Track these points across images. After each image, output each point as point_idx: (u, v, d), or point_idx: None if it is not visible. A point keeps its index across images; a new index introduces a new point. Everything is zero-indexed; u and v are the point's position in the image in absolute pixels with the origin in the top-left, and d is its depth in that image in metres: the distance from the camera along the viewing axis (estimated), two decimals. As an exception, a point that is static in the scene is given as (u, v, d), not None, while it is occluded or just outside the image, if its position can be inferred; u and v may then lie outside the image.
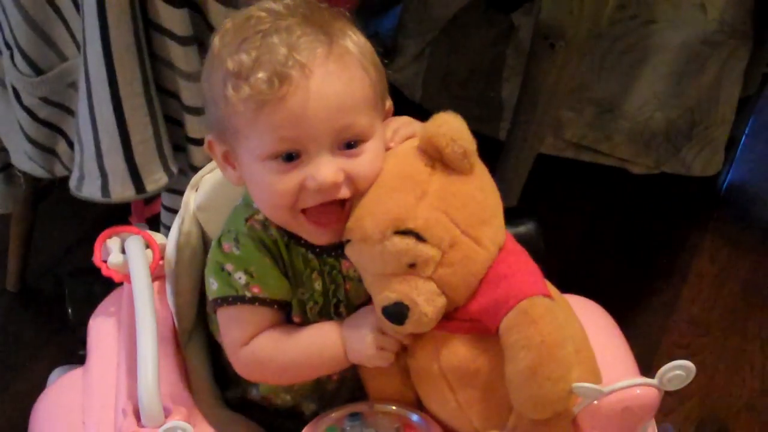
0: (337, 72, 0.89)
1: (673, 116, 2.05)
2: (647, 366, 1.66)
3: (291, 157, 0.90)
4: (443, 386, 0.94)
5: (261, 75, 0.87)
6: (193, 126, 1.23)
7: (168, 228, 1.15)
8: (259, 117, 0.88)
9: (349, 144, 0.91)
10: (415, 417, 0.97)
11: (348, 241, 0.92)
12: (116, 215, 1.33)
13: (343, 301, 1.00)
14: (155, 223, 1.42)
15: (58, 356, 1.59)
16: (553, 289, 0.95)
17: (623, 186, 2.11)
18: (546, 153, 1.97)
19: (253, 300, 0.95)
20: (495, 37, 2.08)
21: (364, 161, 0.91)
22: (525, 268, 0.93)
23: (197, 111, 1.22)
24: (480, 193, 0.92)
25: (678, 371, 0.89)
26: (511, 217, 1.16)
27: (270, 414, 1.07)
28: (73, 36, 1.21)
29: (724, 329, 1.83)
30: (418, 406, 0.98)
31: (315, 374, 0.99)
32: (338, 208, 0.92)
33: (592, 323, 1.00)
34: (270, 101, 0.87)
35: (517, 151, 1.68)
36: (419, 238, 0.88)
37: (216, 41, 0.93)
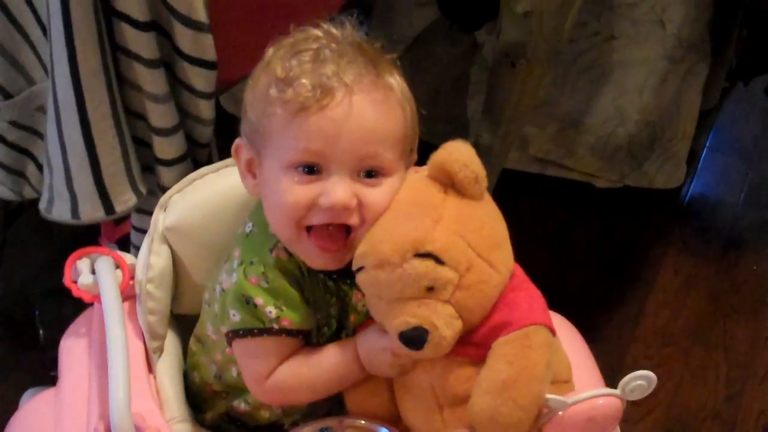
0: (377, 102, 0.91)
1: (635, 131, 2.07)
2: (613, 378, 1.68)
3: (311, 170, 0.91)
4: (431, 402, 0.95)
5: (305, 81, 0.90)
6: (161, 147, 1.23)
7: (138, 248, 1.15)
8: (294, 121, 0.90)
9: (369, 173, 0.93)
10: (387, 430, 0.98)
11: (360, 269, 0.92)
12: (86, 237, 1.33)
13: (346, 329, 1.02)
14: (125, 245, 1.42)
15: (30, 378, 1.57)
16: None
17: (588, 200, 2.13)
18: (511, 168, 1.99)
19: (281, 332, 0.96)
20: (459, 56, 2.09)
21: (378, 193, 0.93)
22: (534, 298, 0.95)
23: (165, 132, 1.22)
24: (491, 218, 0.94)
25: (640, 381, 0.91)
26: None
27: (249, 429, 1.08)
28: (40, 59, 1.21)
29: (689, 339, 1.86)
30: (394, 417, 1.00)
31: (335, 391, 1.01)
32: (343, 233, 0.93)
33: (560, 337, 1.02)
34: (308, 108, 0.90)
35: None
36: (438, 260, 0.88)
37: (270, 51, 0.96)
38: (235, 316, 0.97)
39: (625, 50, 1.99)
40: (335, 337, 1.02)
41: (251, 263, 0.97)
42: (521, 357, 0.88)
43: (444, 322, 0.89)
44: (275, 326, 0.96)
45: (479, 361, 0.91)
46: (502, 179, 1.77)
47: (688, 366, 1.80)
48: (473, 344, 0.92)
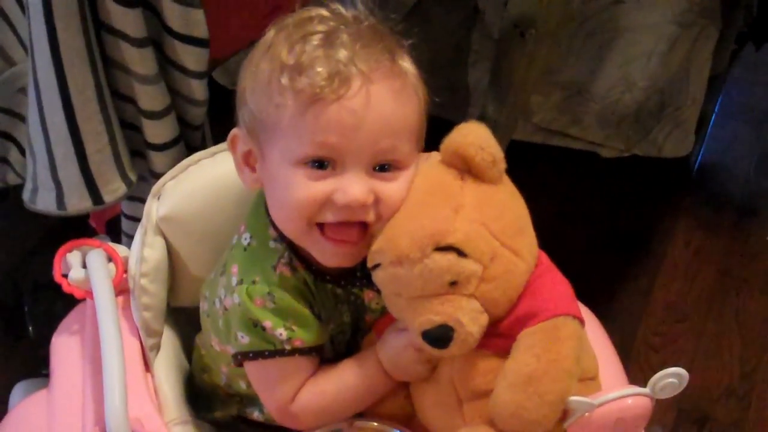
0: (395, 91, 0.85)
1: (642, 98, 2.03)
2: (625, 356, 1.66)
3: (323, 165, 0.85)
4: (451, 396, 0.91)
5: (320, 70, 0.83)
6: (152, 131, 1.18)
7: (130, 237, 1.12)
8: (307, 114, 0.84)
9: (383, 167, 0.87)
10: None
11: (377, 266, 0.87)
12: (75, 219, 1.28)
13: (362, 330, 0.97)
14: (117, 225, 1.37)
15: (21, 368, 1.54)
16: None
17: (594, 170, 2.09)
18: (515, 138, 1.94)
19: (293, 352, 0.91)
20: (459, 22, 2.04)
21: (395, 188, 0.87)
22: (561, 286, 0.90)
23: (156, 115, 1.17)
24: (512, 203, 0.89)
25: (671, 379, 0.88)
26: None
27: (260, 427, 1.04)
28: (20, 39, 1.15)
29: (700, 314, 1.83)
30: (408, 418, 0.96)
31: (367, 404, 0.96)
32: (359, 228, 0.88)
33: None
34: (324, 99, 0.83)
35: (488, 140, 1.64)
36: (460, 253, 0.83)
37: (271, 33, 0.89)
38: (244, 339, 0.91)
39: (633, 15, 1.94)
40: (352, 341, 0.98)
41: (253, 282, 0.91)
42: (549, 350, 0.84)
43: (470, 318, 0.84)
44: (287, 347, 0.91)
45: (503, 353, 0.86)
46: (504, 150, 1.73)
47: (700, 342, 1.77)
48: (498, 335, 0.87)
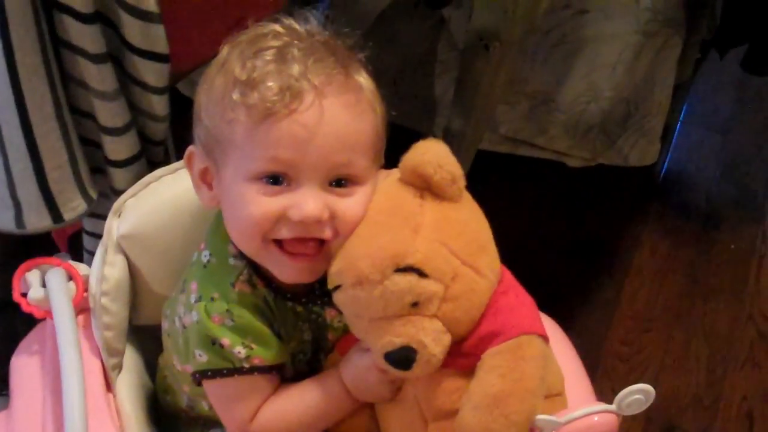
0: (349, 105, 0.84)
1: (608, 107, 2.03)
2: (592, 366, 1.66)
3: (277, 181, 0.84)
4: (416, 416, 0.90)
5: (271, 84, 0.82)
6: (112, 147, 1.16)
7: (91, 253, 1.10)
8: (260, 128, 0.83)
9: (340, 182, 0.86)
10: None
11: (337, 287, 0.86)
12: (38, 236, 1.25)
13: (323, 349, 0.96)
14: (79, 242, 1.35)
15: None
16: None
17: (560, 180, 2.09)
18: (481, 148, 1.93)
19: (252, 370, 0.90)
20: (425, 32, 2.04)
21: (352, 204, 0.86)
22: (525, 304, 0.89)
23: (116, 131, 1.15)
24: (473, 220, 0.88)
25: (637, 395, 0.87)
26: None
27: None
28: (-24, 55, 1.13)
29: (668, 323, 1.83)
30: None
31: (329, 425, 0.94)
32: (316, 243, 0.87)
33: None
34: (276, 114, 0.82)
35: (454, 152, 1.63)
36: (421, 273, 0.82)
37: (225, 49, 0.88)
38: (202, 357, 0.90)
39: (598, 25, 1.94)
40: (313, 360, 0.96)
41: (212, 299, 0.90)
42: (514, 369, 0.83)
43: (432, 339, 0.84)
44: (246, 365, 0.90)
45: (468, 371, 0.86)
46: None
47: (668, 351, 1.77)
48: (462, 355, 0.86)
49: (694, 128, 2.30)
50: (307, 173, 0.84)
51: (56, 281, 1.05)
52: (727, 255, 1.98)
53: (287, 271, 0.88)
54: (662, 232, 2.02)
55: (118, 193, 1.11)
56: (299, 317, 0.93)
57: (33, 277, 1.06)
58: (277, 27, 0.88)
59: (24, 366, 1.10)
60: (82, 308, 1.06)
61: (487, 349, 0.85)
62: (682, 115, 2.28)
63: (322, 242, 0.87)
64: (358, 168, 0.86)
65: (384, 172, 0.91)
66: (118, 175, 1.19)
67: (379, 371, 0.88)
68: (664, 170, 2.19)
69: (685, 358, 1.76)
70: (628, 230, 2.02)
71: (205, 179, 0.91)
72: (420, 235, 0.83)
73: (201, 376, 0.91)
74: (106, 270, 1.02)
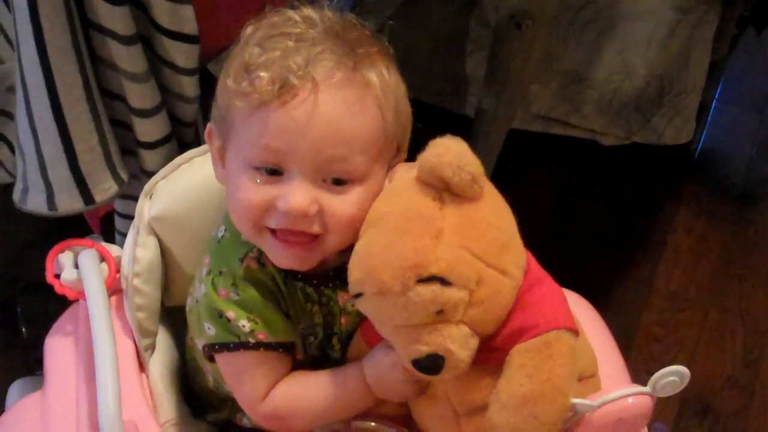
0: (348, 101, 0.83)
1: (642, 85, 2.00)
2: (626, 346, 1.65)
3: (273, 172, 0.84)
4: (447, 410, 0.89)
5: (263, 74, 0.82)
6: (143, 129, 1.16)
7: (124, 235, 1.10)
8: (253, 116, 0.83)
9: (338, 180, 0.85)
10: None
11: (359, 295, 0.84)
12: (71, 217, 1.26)
13: (337, 333, 0.95)
14: (111, 223, 1.35)
15: (18, 365, 1.54)
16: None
17: (594, 159, 2.07)
18: (514, 127, 1.92)
19: (258, 346, 0.90)
20: (456, 11, 2.01)
21: (344, 202, 0.85)
22: (552, 295, 0.87)
23: (146, 113, 1.15)
24: (495, 217, 0.84)
25: (672, 377, 0.85)
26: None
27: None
28: (7, 37, 1.13)
29: (703, 303, 1.81)
30: (406, 418, 0.94)
31: (342, 418, 0.94)
32: (308, 235, 0.86)
33: (581, 323, 0.95)
34: (269, 103, 0.82)
35: (486, 131, 1.63)
36: (444, 282, 0.80)
37: (249, 29, 0.88)
38: (210, 330, 0.91)
39: (631, 1, 1.91)
40: (325, 343, 0.96)
41: (220, 273, 0.91)
42: (542, 369, 0.81)
43: (459, 345, 0.82)
44: (251, 340, 0.90)
45: (498, 365, 0.84)
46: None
47: (703, 331, 1.76)
48: (491, 350, 0.85)
49: (729, 106, 2.26)
50: (298, 165, 0.83)
51: (89, 263, 1.05)
52: (764, 234, 1.96)
53: (279, 257, 0.88)
54: (697, 211, 2.00)
55: (149, 174, 1.12)
56: (309, 299, 0.93)
57: (66, 258, 1.07)
58: (295, 15, 0.87)
59: (58, 347, 1.11)
60: (114, 289, 1.07)
61: (515, 344, 0.83)
62: (717, 93, 2.25)
63: (315, 235, 0.86)
64: (355, 165, 0.85)
65: (404, 166, 0.89)
66: (148, 157, 1.19)
67: (403, 370, 0.87)
68: (699, 149, 2.16)
69: (720, 338, 1.75)
70: (662, 210, 1.99)
71: (221, 155, 0.91)
72: (441, 242, 0.81)
73: (209, 349, 0.92)
74: (137, 251, 1.03)
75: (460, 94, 2.03)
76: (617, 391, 0.85)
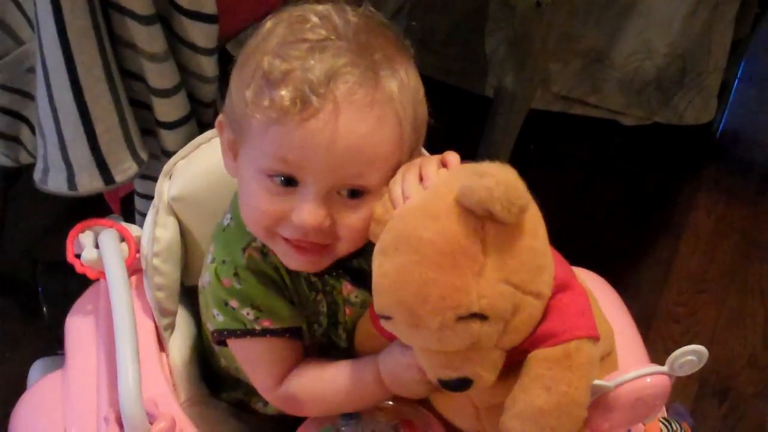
0: (368, 119, 0.81)
1: (663, 64, 1.99)
2: (646, 327, 1.64)
3: (289, 182, 0.83)
4: (467, 404, 0.88)
5: (285, 93, 0.80)
6: (162, 109, 1.16)
7: (144, 215, 1.11)
8: (270, 130, 0.82)
9: (353, 192, 0.84)
10: (414, 413, 0.93)
11: (388, 317, 0.81)
12: (92, 198, 1.27)
13: (342, 323, 0.95)
14: (132, 204, 1.36)
15: (39, 345, 1.54)
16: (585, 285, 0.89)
17: (615, 139, 2.06)
18: (533, 107, 1.91)
19: (264, 332, 0.90)
20: (477, -11, 2.01)
21: (358, 216, 0.84)
22: (576, 303, 0.85)
23: (165, 93, 1.15)
24: (534, 239, 0.81)
25: (690, 356, 0.84)
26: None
27: (268, 416, 1.03)
28: (27, 17, 1.14)
29: (723, 284, 1.80)
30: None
31: (355, 409, 0.93)
32: (320, 244, 0.86)
33: (599, 302, 0.95)
34: (288, 119, 0.80)
35: (506, 111, 1.62)
36: (483, 317, 0.78)
37: (268, 24, 0.86)
38: (218, 316, 0.91)
39: (652, -20, 1.89)
40: (332, 332, 0.95)
41: (223, 262, 0.90)
42: (560, 381, 0.80)
43: (490, 369, 0.81)
44: (257, 327, 0.90)
45: (518, 365, 0.83)
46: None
47: (723, 313, 1.75)
48: (515, 353, 0.83)
49: (751, 86, 2.24)
50: (314, 179, 0.82)
51: (109, 242, 1.05)
52: (785, 215, 1.94)
53: (290, 261, 0.88)
54: (718, 191, 1.98)
55: (169, 154, 1.12)
56: (313, 287, 0.93)
57: (86, 238, 1.08)
58: (316, 17, 0.84)
59: (78, 326, 1.11)
60: (134, 269, 1.07)
61: (536, 348, 0.82)
62: (739, 72, 2.23)
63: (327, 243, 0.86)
64: (371, 180, 0.84)
65: (435, 164, 0.85)
66: (168, 137, 1.19)
67: (419, 371, 0.85)
68: (720, 129, 2.14)
69: (740, 319, 1.74)
70: (683, 190, 1.98)
71: (232, 148, 0.90)
72: (483, 278, 0.78)
73: (218, 335, 0.92)
74: (157, 231, 1.03)
75: (480, 75, 2.02)
76: (634, 371, 0.84)
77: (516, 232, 0.79)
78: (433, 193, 0.81)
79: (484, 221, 0.77)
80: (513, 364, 0.83)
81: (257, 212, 0.85)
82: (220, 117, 0.91)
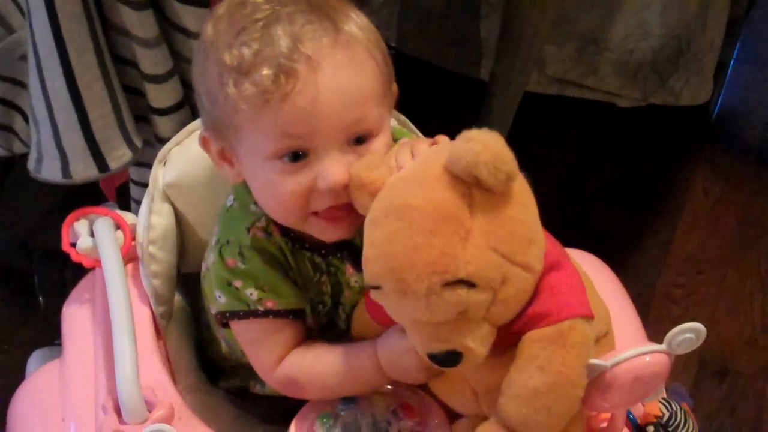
0: (345, 62, 0.82)
1: (659, 45, 1.98)
2: (644, 309, 1.64)
3: (297, 156, 0.83)
4: (465, 389, 0.88)
5: (265, 71, 0.80)
6: (155, 95, 1.16)
7: (138, 202, 1.11)
8: (262, 115, 0.82)
9: (359, 139, 0.84)
10: (413, 396, 0.93)
11: (377, 287, 0.81)
12: (87, 186, 1.27)
13: (342, 305, 0.95)
14: (127, 192, 1.35)
15: (37, 335, 1.55)
16: (578, 265, 0.88)
17: (611, 121, 2.05)
18: (529, 90, 1.91)
19: (267, 313, 0.90)
20: (470, -27, 1.99)
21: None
22: (568, 281, 0.84)
23: (158, 79, 1.15)
24: (523, 211, 0.81)
25: (688, 334, 0.84)
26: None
27: (267, 402, 1.02)
28: (18, 5, 1.13)
29: (721, 265, 1.80)
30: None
31: (354, 393, 0.92)
32: (351, 205, 0.85)
33: (594, 283, 0.94)
34: (275, 98, 0.80)
35: (501, 95, 1.62)
36: (470, 285, 0.78)
37: (208, 29, 0.86)
38: (221, 298, 0.91)
39: (648, -40, 1.88)
40: (333, 312, 0.96)
41: (227, 242, 0.91)
42: (554, 360, 0.79)
43: (479, 342, 0.80)
44: (260, 308, 0.90)
45: (514, 347, 0.82)
46: (519, 102, 1.70)
47: (722, 293, 1.75)
48: (509, 334, 0.83)
49: (747, 66, 2.23)
50: (322, 142, 0.82)
51: (104, 230, 1.05)
52: (783, 195, 1.94)
53: (329, 234, 0.88)
54: (715, 172, 1.98)
55: (163, 141, 1.11)
56: (317, 268, 0.93)
57: (81, 226, 1.07)
58: None
59: (75, 315, 1.11)
60: (130, 257, 1.07)
61: (530, 329, 0.81)
62: (735, 53, 2.21)
63: None
64: (372, 120, 0.84)
65: (426, 141, 0.87)
66: (162, 123, 1.19)
67: (416, 356, 0.85)
68: (716, 109, 2.13)
69: (739, 300, 1.74)
70: (680, 171, 1.98)
71: (224, 157, 0.90)
72: (470, 243, 0.77)
73: (221, 317, 0.92)
74: (152, 218, 1.03)
75: (475, 59, 2.01)
76: (631, 350, 0.84)
77: (504, 201, 0.79)
78: (422, 162, 0.82)
79: (471, 188, 0.78)
80: (508, 346, 0.82)
81: (283, 198, 0.85)
82: (201, 134, 0.91)
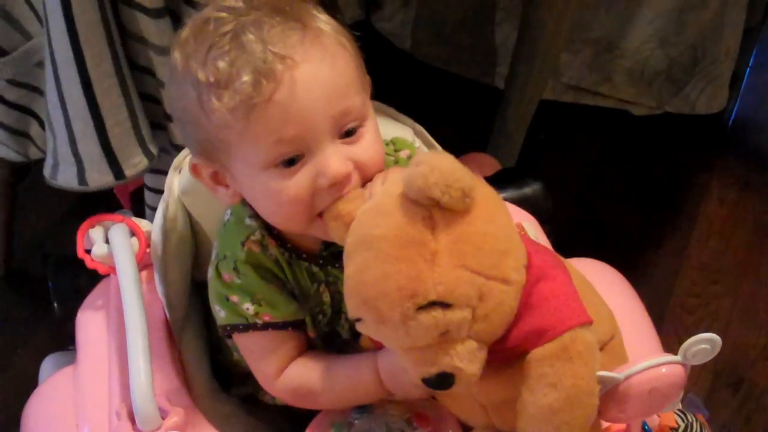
0: (320, 57, 0.83)
1: (674, 53, 1.98)
2: (659, 318, 1.63)
3: (292, 161, 0.83)
4: (474, 404, 0.88)
5: (245, 78, 0.80)
6: (171, 102, 1.15)
7: (154, 209, 1.11)
8: (250, 124, 0.81)
9: (348, 132, 0.84)
10: (427, 405, 0.92)
11: (359, 319, 0.81)
12: (102, 192, 1.27)
13: (344, 313, 0.94)
14: (141, 197, 1.36)
15: (51, 340, 1.55)
16: (578, 270, 0.88)
17: (626, 129, 2.04)
18: (544, 98, 1.90)
19: (266, 326, 0.90)
20: (486, -21, 2.00)
21: (366, 146, 0.85)
22: (561, 290, 0.84)
23: (175, 87, 1.14)
24: (490, 224, 0.81)
25: (703, 345, 0.83)
26: (516, 178, 1.09)
27: (278, 410, 1.02)
28: (35, 12, 1.14)
29: (736, 274, 1.79)
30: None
31: (352, 405, 0.92)
32: None
33: (608, 292, 0.94)
34: (259, 104, 0.80)
35: (516, 103, 1.62)
36: (445, 305, 0.77)
37: (176, 54, 0.85)
38: (221, 312, 0.92)
39: (663, -32, 1.88)
40: (335, 321, 0.95)
41: (224, 257, 0.91)
42: (564, 375, 0.79)
43: (468, 361, 0.79)
44: (258, 322, 0.90)
45: (515, 359, 0.82)
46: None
47: (736, 303, 1.73)
48: (506, 350, 0.82)
49: (764, 74, 2.21)
50: (314, 139, 0.82)
51: (119, 237, 1.05)
52: (799, 205, 1.92)
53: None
54: (730, 181, 1.96)
55: (179, 148, 1.12)
56: (315, 278, 0.92)
57: (96, 233, 1.07)
58: (217, 13, 0.84)
59: (89, 321, 1.11)
60: (145, 264, 1.07)
61: (531, 346, 0.81)
62: (751, 61, 2.20)
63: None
64: (357, 109, 0.85)
65: (397, 169, 0.87)
66: (177, 130, 1.18)
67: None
68: (732, 118, 2.12)
69: (753, 310, 1.72)
70: (695, 180, 1.96)
71: (218, 181, 0.90)
72: (437, 265, 0.78)
73: (222, 330, 0.93)
74: (167, 225, 1.03)
75: (490, 66, 2.01)
76: (645, 361, 0.84)
77: (467, 217, 0.79)
78: (383, 192, 0.82)
79: (431, 209, 0.78)
80: (509, 361, 0.82)
81: (287, 204, 0.85)
82: (192, 161, 0.91)
